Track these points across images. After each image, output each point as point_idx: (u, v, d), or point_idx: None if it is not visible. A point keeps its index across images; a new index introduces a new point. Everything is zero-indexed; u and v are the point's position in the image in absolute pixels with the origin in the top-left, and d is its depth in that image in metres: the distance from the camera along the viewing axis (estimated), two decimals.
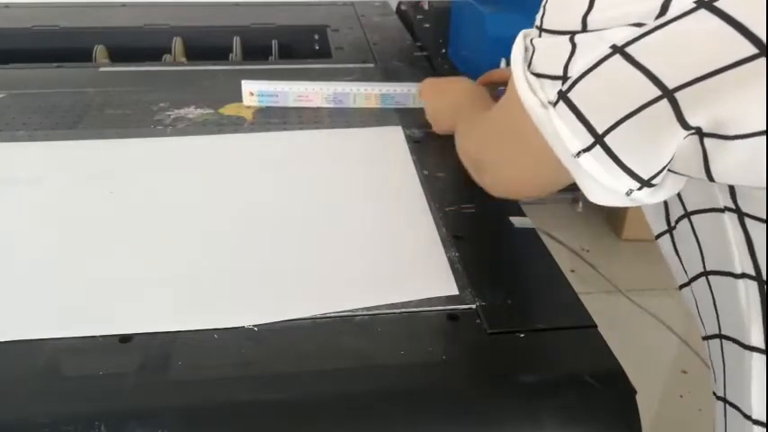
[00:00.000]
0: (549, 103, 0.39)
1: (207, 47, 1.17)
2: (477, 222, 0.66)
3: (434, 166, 0.75)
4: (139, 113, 0.86)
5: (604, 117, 0.36)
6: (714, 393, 0.47)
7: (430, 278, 0.57)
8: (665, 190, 0.40)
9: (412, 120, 0.85)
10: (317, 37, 1.24)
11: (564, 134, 0.38)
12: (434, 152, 0.78)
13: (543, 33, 0.39)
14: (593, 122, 0.37)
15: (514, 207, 0.69)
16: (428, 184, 0.72)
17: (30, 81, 0.98)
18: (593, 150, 0.38)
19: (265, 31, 1.22)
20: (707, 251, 0.43)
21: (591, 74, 0.36)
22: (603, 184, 0.39)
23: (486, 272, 0.58)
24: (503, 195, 0.57)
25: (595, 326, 0.53)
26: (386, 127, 0.84)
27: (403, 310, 0.54)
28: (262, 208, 0.67)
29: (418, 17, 1.28)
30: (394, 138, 0.82)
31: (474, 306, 0.54)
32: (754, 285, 0.40)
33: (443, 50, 1.14)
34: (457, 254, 0.60)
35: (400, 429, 0.46)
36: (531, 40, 0.40)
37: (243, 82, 0.89)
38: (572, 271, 1.59)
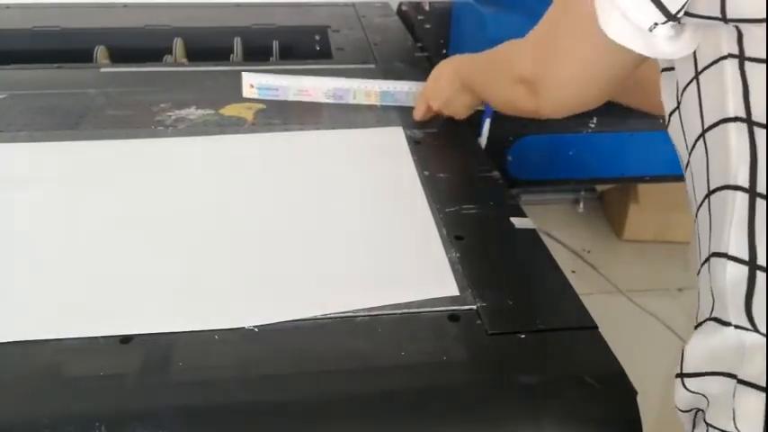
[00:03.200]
0: None
1: (208, 47, 1.17)
2: (478, 223, 0.66)
3: (435, 167, 0.75)
4: (140, 114, 0.87)
5: None
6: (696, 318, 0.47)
7: (430, 279, 0.57)
8: (684, 41, 0.42)
9: (413, 120, 0.85)
10: (317, 38, 1.24)
11: None
12: (435, 153, 0.78)
13: None
14: None
15: (515, 208, 0.69)
16: (429, 184, 0.72)
17: (31, 82, 0.98)
18: None
19: (266, 32, 1.22)
20: (707, 103, 0.44)
21: None
22: (629, 16, 0.41)
23: (486, 272, 0.58)
24: (557, 107, 0.59)
25: (596, 326, 0.53)
26: (387, 128, 0.84)
27: (404, 310, 0.54)
28: (262, 208, 0.67)
29: (419, 18, 1.28)
30: (395, 138, 0.82)
31: (475, 307, 0.54)
32: (744, 127, 0.41)
33: (444, 51, 1.14)
34: (457, 254, 0.60)
35: (401, 430, 0.46)
36: None
37: (243, 74, 0.89)
38: (573, 271, 1.59)
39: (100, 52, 1.12)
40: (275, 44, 1.18)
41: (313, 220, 0.66)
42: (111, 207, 0.67)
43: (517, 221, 0.66)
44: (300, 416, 0.45)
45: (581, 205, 1.76)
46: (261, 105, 0.89)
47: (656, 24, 0.41)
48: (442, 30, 1.15)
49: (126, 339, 0.50)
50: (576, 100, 0.57)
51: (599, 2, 0.43)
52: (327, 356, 0.49)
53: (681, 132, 0.48)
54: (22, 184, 0.70)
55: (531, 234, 0.65)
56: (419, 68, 1.05)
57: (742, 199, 0.41)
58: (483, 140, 0.84)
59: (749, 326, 0.42)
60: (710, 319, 0.45)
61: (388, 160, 0.77)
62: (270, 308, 0.53)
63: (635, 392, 0.48)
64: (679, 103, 0.47)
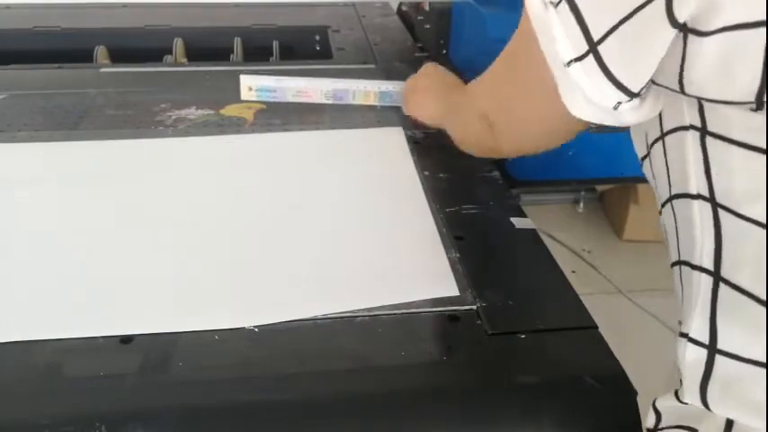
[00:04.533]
0: (551, 2, 0.39)
1: (208, 48, 1.17)
2: (478, 223, 0.66)
3: (435, 167, 0.75)
4: (140, 114, 0.87)
5: (603, 20, 0.37)
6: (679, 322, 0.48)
7: (430, 279, 0.57)
8: (647, 108, 0.41)
9: (413, 120, 0.85)
10: (318, 38, 1.24)
11: (560, 37, 0.38)
12: (435, 153, 0.78)
13: None
14: (590, 26, 0.37)
15: (515, 208, 0.69)
16: (429, 184, 0.72)
17: (31, 82, 0.98)
18: (585, 60, 0.38)
19: (266, 32, 1.21)
20: (672, 173, 0.43)
21: None
22: (590, 98, 0.39)
23: (486, 273, 0.58)
24: (514, 149, 0.57)
25: (596, 327, 0.53)
26: (387, 128, 0.84)
27: (404, 310, 0.54)
28: (262, 208, 0.67)
29: (419, 18, 1.28)
30: (395, 138, 0.82)
31: (475, 307, 0.54)
32: (707, 207, 0.40)
33: (444, 51, 1.14)
34: (458, 255, 0.60)
35: (401, 430, 0.46)
36: None
37: (241, 77, 0.89)
38: (573, 272, 1.59)
39: (100, 52, 1.12)
40: (275, 44, 1.18)
41: (313, 221, 0.66)
42: (111, 207, 0.67)
43: (517, 221, 0.66)
44: (300, 416, 0.45)
45: (581, 205, 1.76)
46: (261, 105, 0.89)
47: (620, 103, 0.40)
48: (442, 30, 1.15)
49: (126, 339, 0.50)
50: (533, 148, 0.56)
51: (561, 82, 0.41)
52: (327, 356, 0.49)
53: (653, 180, 0.48)
54: (22, 184, 0.70)
55: (531, 234, 0.65)
56: (419, 68, 1.05)
57: (707, 282, 0.41)
58: None
59: (701, 405, 0.42)
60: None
61: (388, 160, 0.77)
62: (270, 308, 0.53)
63: (635, 392, 0.48)
64: (649, 153, 0.46)
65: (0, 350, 0.49)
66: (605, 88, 0.39)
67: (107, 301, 0.54)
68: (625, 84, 0.38)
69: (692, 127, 0.40)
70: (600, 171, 1.03)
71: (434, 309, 0.54)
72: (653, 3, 0.34)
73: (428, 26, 1.22)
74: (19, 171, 0.73)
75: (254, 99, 0.89)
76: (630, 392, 0.48)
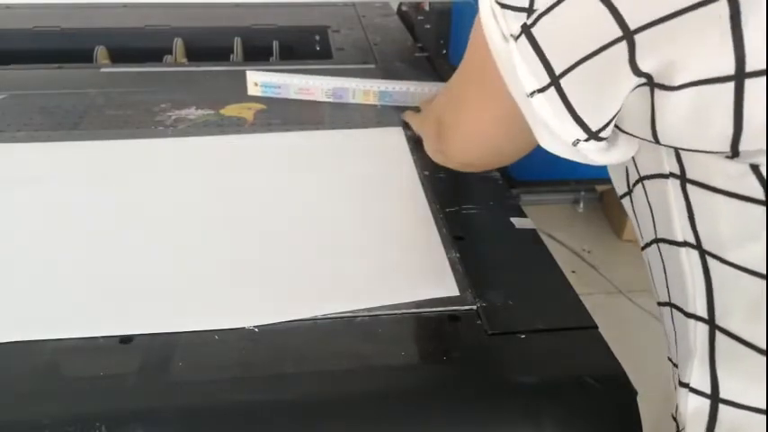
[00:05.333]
0: (512, 36, 0.38)
1: (208, 47, 1.17)
2: (478, 223, 0.66)
3: (435, 167, 0.75)
4: (140, 114, 0.87)
5: (564, 56, 0.36)
6: (669, 359, 0.47)
7: (430, 279, 0.57)
8: (619, 152, 0.40)
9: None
10: (317, 38, 1.24)
11: (521, 71, 0.37)
12: None
13: None
14: (552, 62, 0.36)
15: (515, 208, 0.69)
16: (429, 184, 0.72)
17: (31, 82, 0.98)
18: (548, 92, 0.37)
19: (266, 32, 1.22)
20: (657, 217, 0.42)
21: (557, 8, 0.35)
22: (552, 130, 0.38)
23: (486, 273, 0.58)
24: (464, 162, 0.56)
25: (596, 327, 0.53)
26: (386, 128, 0.84)
27: (404, 311, 0.54)
28: (263, 209, 0.67)
29: (419, 18, 1.28)
30: (394, 138, 0.82)
31: (475, 307, 0.54)
32: (695, 254, 0.39)
33: (444, 51, 1.14)
34: (457, 255, 0.60)
35: (401, 430, 0.46)
36: None
37: (248, 72, 0.91)
38: (573, 272, 1.59)
39: (100, 52, 1.12)
40: (275, 44, 1.18)
41: (313, 220, 0.66)
42: (111, 207, 0.67)
43: (517, 221, 0.66)
44: (300, 416, 0.45)
45: (581, 205, 1.76)
46: (261, 105, 0.89)
47: (578, 140, 0.38)
48: (442, 30, 1.15)
49: (126, 339, 0.50)
50: (481, 165, 0.57)
51: (527, 113, 0.39)
52: (328, 356, 0.49)
53: (634, 218, 0.47)
54: (22, 183, 0.70)
55: (531, 234, 0.65)
56: (419, 68, 1.05)
57: (703, 330, 0.40)
58: None
59: None
60: None
61: (388, 160, 0.77)
62: (270, 308, 0.53)
63: (635, 392, 0.48)
64: (630, 191, 0.46)
65: (0, 350, 0.49)
66: (566, 122, 0.38)
67: (107, 301, 0.54)
68: (585, 121, 0.37)
69: (672, 175, 0.39)
70: (600, 171, 1.02)
71: (434, 309, 0.54)
72: (615, 47, 0.34)
73: (428, 26, 1.22)
74: (19, 171, 0.73)
75: (260, 95, 0.91)
76: (630, 392, 0.48)
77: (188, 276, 0.57)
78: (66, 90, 0.94)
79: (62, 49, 1.14)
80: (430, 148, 0.62)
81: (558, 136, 0.39)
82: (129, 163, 0.76)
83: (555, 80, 0.37)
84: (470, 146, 0.51)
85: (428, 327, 0.53)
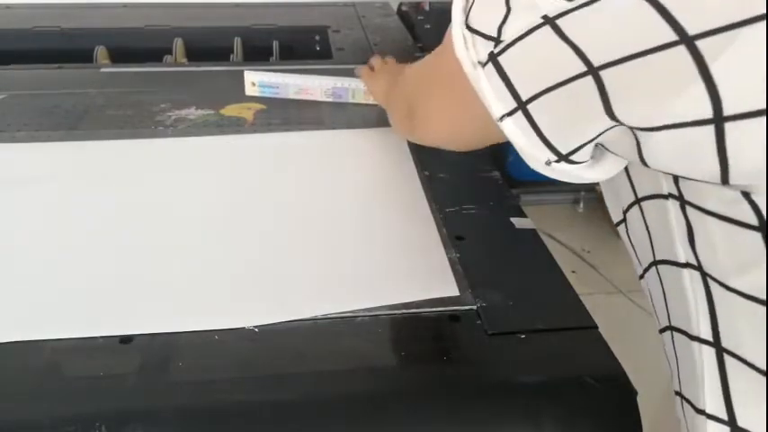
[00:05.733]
0: (479, 63, 0.39)
1: (208, 47, 1.17)
2: (478, 223, 0.66)
3: (435, 167, 0.75)
4: (140, 114, 0.86)
5: (530, 85, 0.37)
6: (675, 390, 0.46)
7: (431, 279, 0.57)
8: (602, 170, 0.41)
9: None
10: (317, 38, 1.24)
11: (489, 97, 0.39)
12: (435, 153, 0.78)
13: None
14: (518, 89, 0.37)
15: (515, 208, 0.69)
16: (429, 184, 0.72)
17: (31, 82, 0.98)
18: (515, 116, 0.38)
19: (266, 32, 1.21)
20: (655, 239, 0.42)
21: (521, 41, 0.36)
22: (523, 151, 0.40)
23: (486, 273, 0.58)
24: (435, 145, 0.59)
25: (596, 327, 0.53)
26: (387, 128, 0.84)
27: (404, 311, 0.54)
28: (262, 209, 0.67)
29: (419, 18, 1.28)
30: (395, 138, 0.81)
31: (475, 307, 0.54)
32: (697, 275, 0.39)
33: None
34: (458, 255, 0.60)
35: (401, 430, 0.46)
36: None
37: (245, 72, 0.90)
38: (573, 272, 1.59)
39: (100, 52, 1.12)
40: (275, 44, 1.18)
41: (313, 220, 0.66)
42: (111, 207, 0.67)
43: (517, 221, 0.66)
44: (300, 416, 0.45)
45: (581, 205, 1.76)
46: (261, 105, 0.89)
47: (550, 161, 0.39)
48: (441, 30, 1.15)
49: (126, 339, 0.50)
50: (454, 144, 0.58)
51: (510, 132, 0.40)
52: (327, 356, 0.49)
53: (630, 246, 0.46)
54: (22, 184, 0.70)
55: (531, 234, 0.65)
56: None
57: (709, 354, 0.39)
58: None
59: None
60: None
61: (387, 160, 0.77)
62: (270, 308, 0.53)
63: (635, 392, 0.48)
64: (625, 218, 0.45)
65: (0, 350, 0.49)
66: (535, 145, 0.39)
67: (107, 301, 0.54)
68: (554, 145, 0.38)
69: (671, 196, 0.39)
70: None
71: (434, 309, 0.54)
72: (581, 81, 0.34)
73: (428, 26, 1.22)
74: (19, 171, 0.73)
75: (257, 95, 0.90)
76: (630, 392, 0.48)
77: (188, 276, 0.57)
78: (66, 90, 0.94)
79: (62, 49, 1.14)
80: (397, 125, 0.65)
81: (529, 156, 0.40)
82: (129, 163, 0.76)
83: (522, 105, 0.37)
84: (440, 136, 0.55)
85: (428, 327, 0.53)
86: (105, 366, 0.48)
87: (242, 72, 0.92)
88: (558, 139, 0.38)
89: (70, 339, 0.50)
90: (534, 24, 0.35)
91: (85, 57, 1.11)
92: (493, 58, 0.38)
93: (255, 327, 0.51)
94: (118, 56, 1.14)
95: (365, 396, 0.47)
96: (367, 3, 1.41)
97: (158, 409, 0.45)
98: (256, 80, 0.90)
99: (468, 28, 0.40)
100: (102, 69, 1.03)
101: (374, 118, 0.87)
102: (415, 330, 0.52)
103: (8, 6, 1.27)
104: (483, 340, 0.51)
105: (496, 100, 0.38)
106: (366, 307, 0.54)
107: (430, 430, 0.46)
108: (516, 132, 0.39)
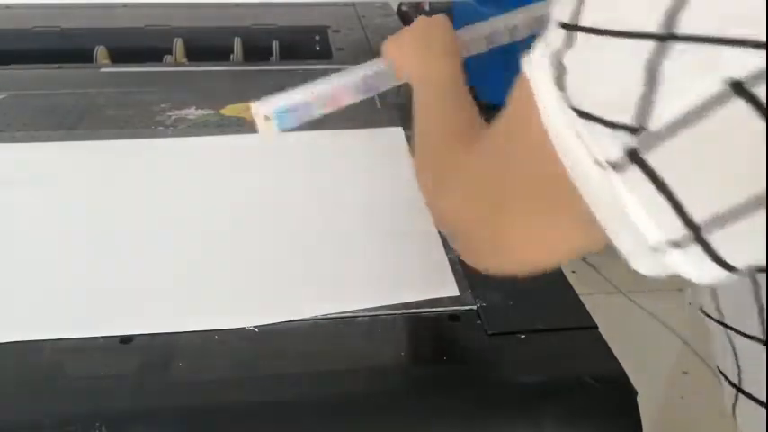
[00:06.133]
0: (608, 163, 0.25)
1: (208, 47, 1.17)
2: None
3: None
4: (140, 114, 0.86)
5: (711, 199, 0.24)
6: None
7: (431, 279, 0.57)
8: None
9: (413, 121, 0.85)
10: (317, 38, 1.24)
11: (639, 219, 0.26)
12: None
13: (581, 34, 0.25)
14: (687, 206, 0.24)
15: None
16: None
17: (31, 82, 0.98)
18: (687, 247, 0.26)
19: (266, 32, 1.22)
20: None
21: (694, 126, 0.23)
22: (689, 275, 0.27)
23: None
24: (498, 269, 0.41)
25: (596, 327, 0.53)
26: (386, 128, 0.84)
27: (404, 311, 0.54)
28: (262, 209, 0.67)
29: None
30: (395, 139, 0.82)
31: (475, 307, 0.54)
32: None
33: None
34: (458, 255, 0.60)
35: (401, 430, 0.46)
36: (561, 55, 0.27)
37: (252, 105, 0.63)
38: (573, 272, 1.59)
39: (100, 52, 1.12)
40: (275, 44, 1.18)
41: (313, 221, 0.66)
42: (111, 207, 0.67)
43: None
44: (300, 416, 0.45)
45: None
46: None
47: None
48: None
49: (126, 339, 0.50)
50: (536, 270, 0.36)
51: (616, 236, 0.28)
52: (327, 356, 0.49)
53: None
54: (22, 184, 0.70)
55: None
56: None
57: (729, 393, 0.39)
58: None
59: None
60: None
61: (387, 161, 0.77)
62: (270, 308, 0.53)
63: (635, 392, 0.47)
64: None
65: (0, 350, 0.49)
66: (710, 269, 0.26)
67: (107, 301, 0.54)
68: (736, 266, 0.26)
69: None
70: None
71: (434, 309, 0.54)
72: None
73: None
74: (19, 171, 0.73)
75: (276, 131, 0.64)
76: (630, 392, 0.48)
77: (188, 276, 0.57)
78: (66, 90, 0.94)
79: (62, 49, 1.14)
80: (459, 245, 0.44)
81: (696, 277, 0.27)
82: (129, 163, 0.76)
83: (696, 232, 0.25)
84: (529, 264, 0.36)
85: (428, 327, 0.53)
86: (105, 366, 0.48)
87: (242, 72, 0.91)
88: (743, 257, 0.26)
89: (70, 339, 0.50)
90: (716, 92, 0.22)
91: (85, 57, 1.11)
92: (635, 156, 0.25)
93: (255, 327, 0.51)
94: (118, 56, 1.14)
95: (365, 396, 0.47)
96: (367, 3, 1.41)
97: (158, 409, 0.45)
98: (270, 111, 0.62)
99: (575, 110, 0.26)
100: (102, 69, 1.04)
101: (374, 118, 0.87)
102: (415, 330, 0.52)
103: (8, 6, 1.27)
104: (483, 340, 0.51)
105: (650, 222, 0.26)
106: (366, 307, 0.54)
107: (430, 430, 0.46)
108: (681, 261, 0.26)
